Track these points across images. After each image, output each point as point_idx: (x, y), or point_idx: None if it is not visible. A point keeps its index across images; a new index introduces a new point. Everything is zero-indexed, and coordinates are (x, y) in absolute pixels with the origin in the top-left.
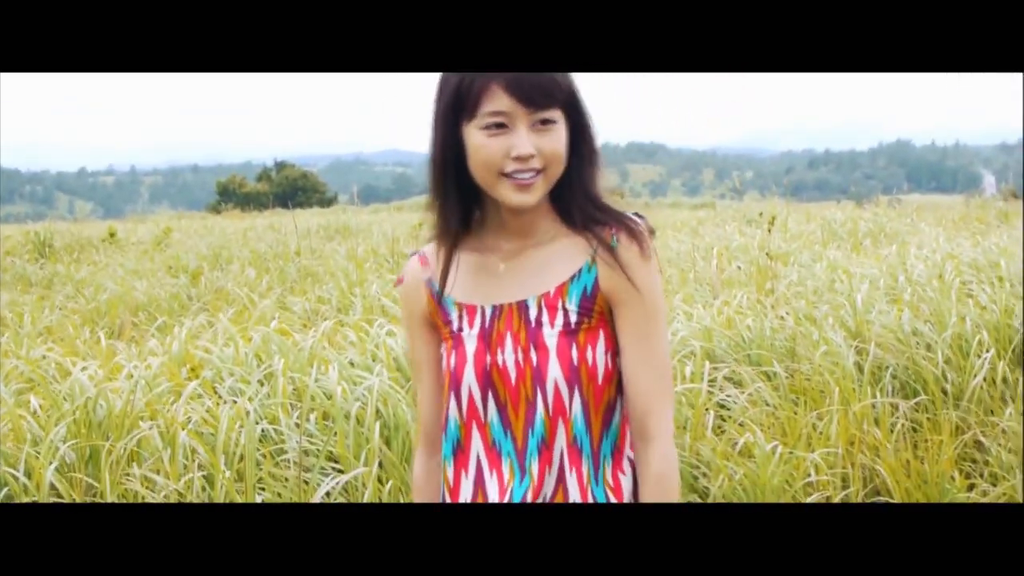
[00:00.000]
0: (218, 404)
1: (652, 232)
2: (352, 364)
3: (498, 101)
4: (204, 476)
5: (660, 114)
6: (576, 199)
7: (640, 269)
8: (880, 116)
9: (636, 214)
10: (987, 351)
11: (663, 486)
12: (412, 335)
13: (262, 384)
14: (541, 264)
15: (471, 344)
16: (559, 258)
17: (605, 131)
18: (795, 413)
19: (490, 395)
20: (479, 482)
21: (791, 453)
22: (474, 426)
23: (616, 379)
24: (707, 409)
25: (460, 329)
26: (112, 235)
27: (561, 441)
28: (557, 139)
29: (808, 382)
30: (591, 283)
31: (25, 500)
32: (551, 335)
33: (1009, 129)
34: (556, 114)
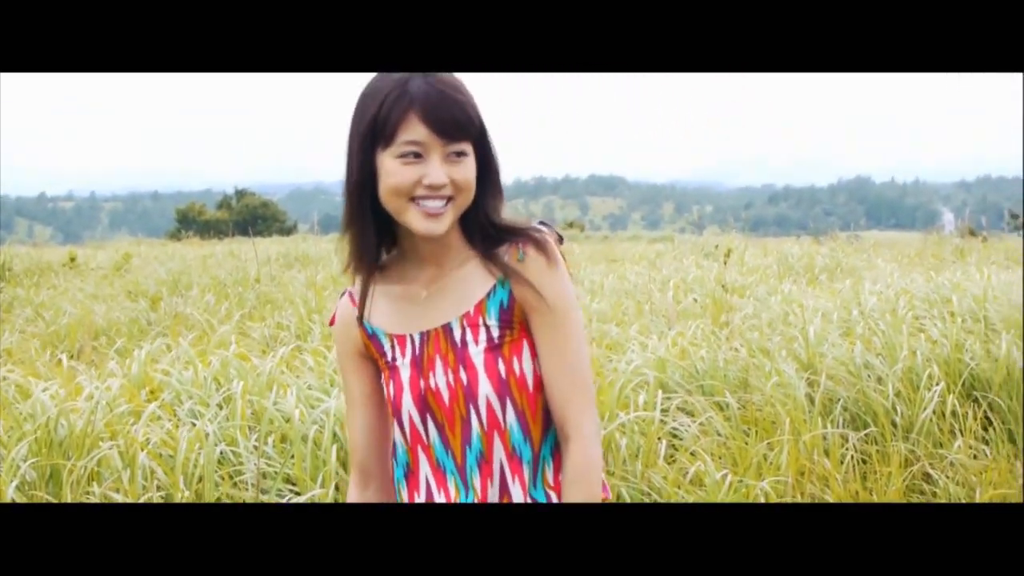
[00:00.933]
0: (177, 426)
1: (560, 240)
2: (310, 388)
3: (415, 131)
4: (162, 496)
5: (620, 147)
6: (482, 226)
7: (548, 277)
8: (840, 152)
9: (542, 222)
10: (937, 384)
11: (582, 484)
12: (345, 371)
13: (221, 407)
14: (459, 287)
15: (405, 372)
16: (474, 278)
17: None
18: (746, 443)
19: (428, 418)
20: (429, 501)
21: (741, 482)
22: (419, 449)
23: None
24: (659, 438)
25: (394, 359)
26: (72, 260)
27: (500, 453)
28: (468, 170)
29: (759, 412)
30: (507, 297)
31: None
32: (477, 353)
33: (968, 167)
34: (468, 146)
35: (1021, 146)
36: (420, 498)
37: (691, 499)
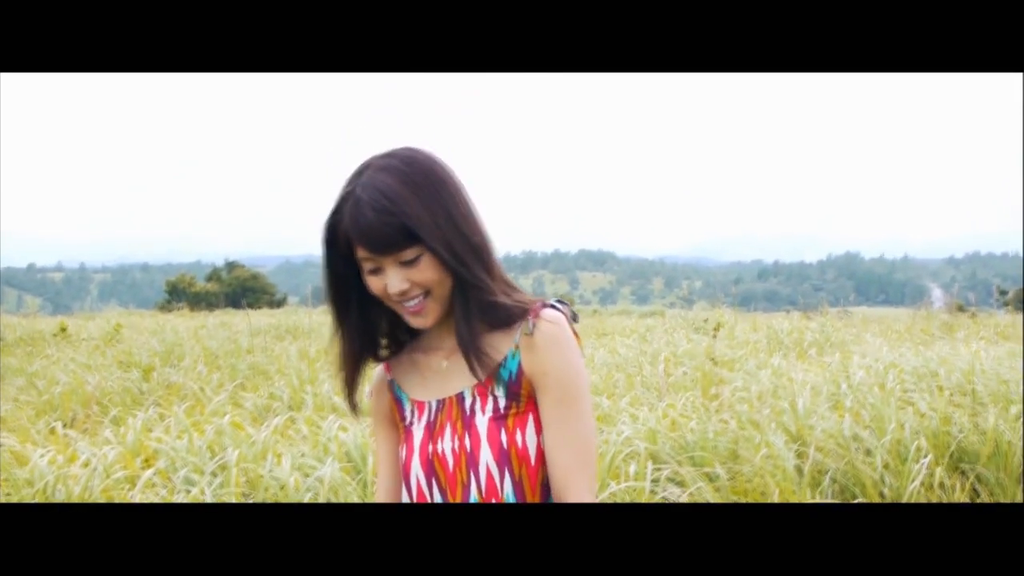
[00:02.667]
0: (172, 493)
1: (575, 318)
2: (303, 456)
3: (361, 251)
4: None
5: (609, 222)
6: (488, 304)
7: (557, 352)
8: (829, 228)
9: (559, 300)
10: (925, 457)
11: None
12: (377, 435)
13: (215, 475)
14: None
15: (418, 436)
16: (489, 350)
17: (556, 238)
18: None
19: (433, 482)
20: None
21: None
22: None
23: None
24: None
25: (411, 423)
26: (63, 330)
27: None
28: (425, 271)
29: (749, 484)
30: (515, 369)
31: None
32: (482, 421)
33: (956, 244)
34: (414, 252)
35: (1021, 148)
36: None
37: None
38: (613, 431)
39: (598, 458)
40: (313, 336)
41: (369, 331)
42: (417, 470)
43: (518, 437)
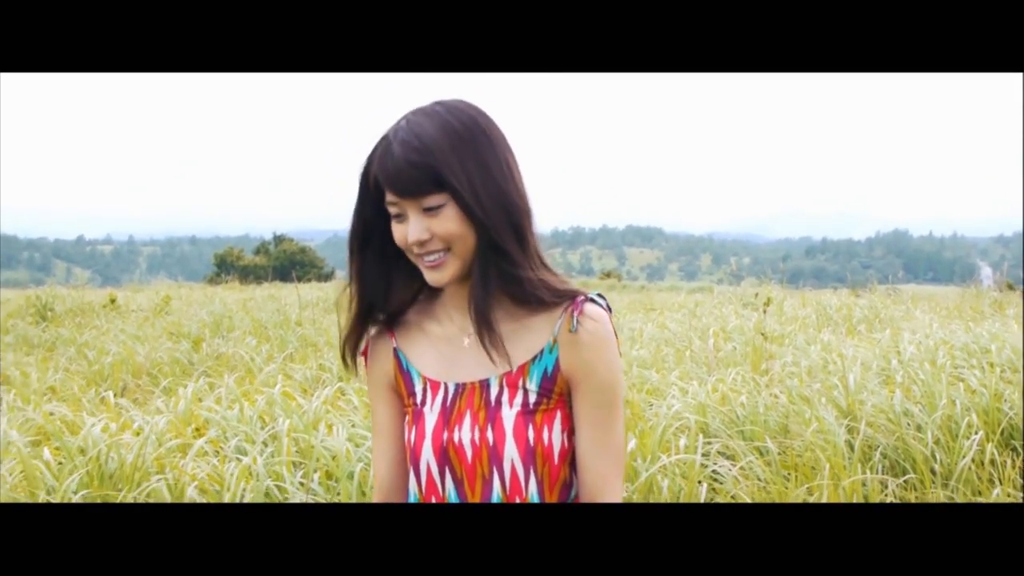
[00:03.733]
0: (224, 462)
1: (610, 312)
2: (355, 426)
3: (389, 194)
4: None
5: (658, 197)
6: (519, 281)
7: (600, 354)
8: (877, 205)
9: (598, 294)
10: (976, 433)
11: None
12: (374, 401)
13: (266, 444)
14: (507, 341)
15: (431, 420)
16: (521, 336)
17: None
18: (786, 487)
19: (447, 471)
20: None
21: None
22: (433, 501)
23: (571, 458)
24: (700, 481)
25: (422, 403)
26: (112, 301)
27: None
28: (446, 222)
29: (799, 458)
30: (552, 364)
31: None
32: (509, 416)
33: (1006, 221)
34: (439, 199)
35: (1021, 148)
36: None
37: None
38: (663, 404)
39: (648, 431)
40: None
41: (383, 285)
42: (429, 457)
43: (545, 435)
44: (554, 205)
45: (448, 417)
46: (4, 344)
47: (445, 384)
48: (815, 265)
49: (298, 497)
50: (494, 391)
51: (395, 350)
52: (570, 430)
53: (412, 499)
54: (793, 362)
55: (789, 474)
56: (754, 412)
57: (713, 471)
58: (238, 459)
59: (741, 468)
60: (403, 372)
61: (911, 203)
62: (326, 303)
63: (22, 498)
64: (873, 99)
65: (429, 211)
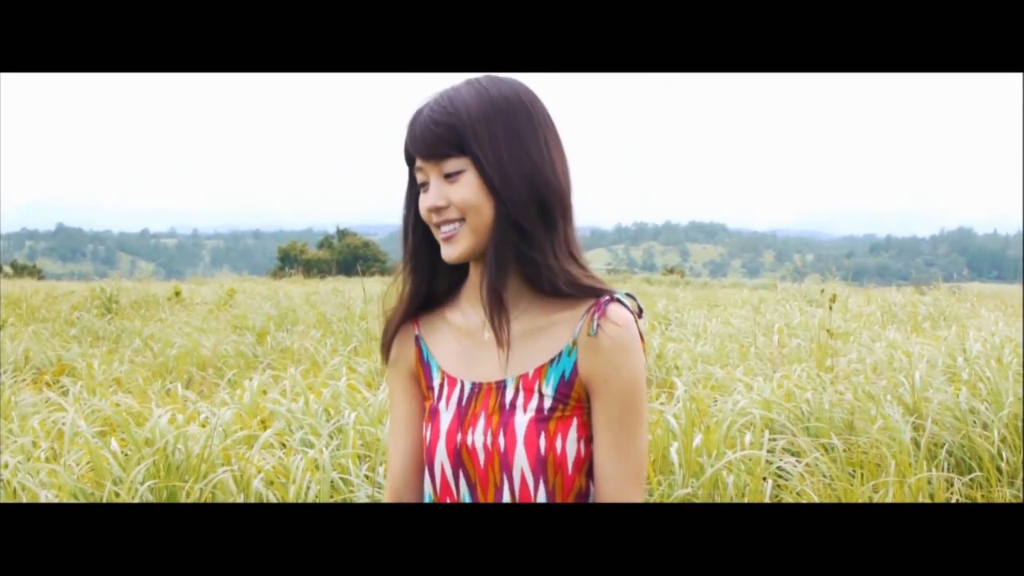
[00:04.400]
0: (289, 454)
1: (640, 314)
2: None
3: (416, 160)
4: None
5: (721, 194)
6: (535, 264)
7: (622, 360)
8: (941, 203)
9: (627, 294)
10: None
11: None
12: (393, 391)
13: (332, 437)
14: (523, 342)
15: (446, 420)
16: (540, 336)
17: (667, 210)
18: (851, 484)
19: (461, 474)
20: None
21: None
22: (448, 502)
23: (588, 466)
24: (765, 477)
25: (439, 399)
26: (177, 294)
27: None
28: (463, 189)
29: (865, 455)
30: (570, 368)
31: None
32: (521, 422)
33: None
34: (459, 164)
35: (1021, 148)
36: None
37: None
38: (729, 400)
39: (714, 427)
40: None
41: (428, 272)
42: (443, 458)
43: (558, 443)
44: (617, 201)
45: (463, 418)
46: (69, 336)
47: (462, 382)
48: (879, 262)
49: (363, 489)
50: (509, 394)
51: (417, 338)
52: (587, 438)
53: (428, 499)
54: (858, 359)
55: (854, 471)
56: (819, 409)
57: (778, 468)
58: (304, 452)
59: (807, 465)
60: (423, 363)
61: (976, 201)
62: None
63: (89, 489)
64: (940, 96)
65: (449, 177)
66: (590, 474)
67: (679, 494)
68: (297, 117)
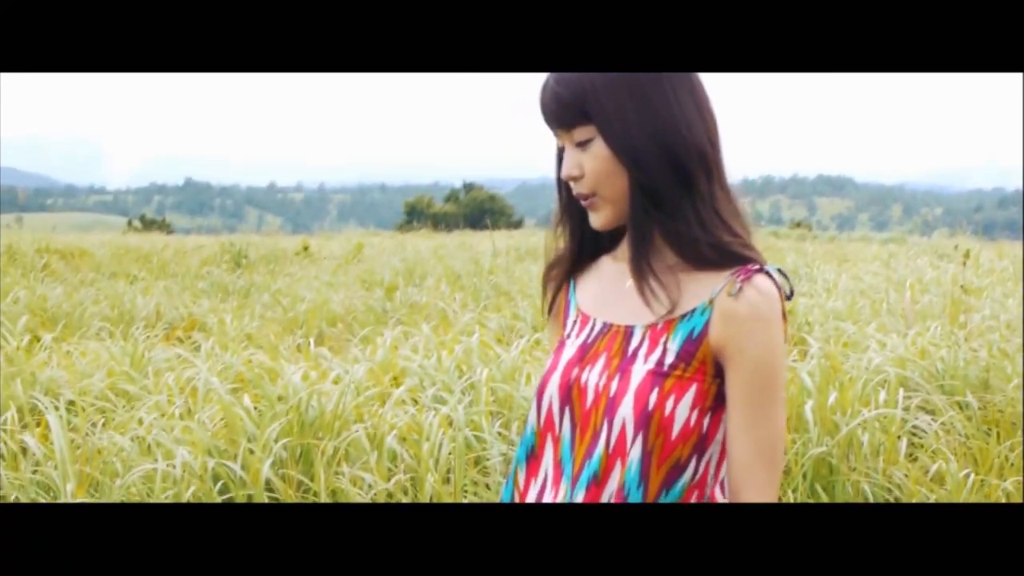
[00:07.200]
0: (422, 411)
1: (790, 295)
2: None
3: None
4: (410, 479)
5: (849, 147)
6: (679, 236)
7: (756, 331)
8: None
9: (779, 269)
10: None
11: None
12: (552, 338)
13: (465, 393)
14: (664, 292)
15: (568, 353)
16: (680, 290)
17: (794, 163)
18: (987, 443)
19: (567, 411)
20: (541, 495)
21: (983, 481)
22: (549, 437)
23: (696, 440)
24: (899, 436)
25: (568, 334)
26: (305, 248)
27: (613, 484)
28: (592, 157)
29: (1000, 414)
30: (700, 327)
31: (240, 494)
32: (639, 371)
33: None
34: (586, 132)
35: (1021, 146)
36: (535, 487)
37: (933, 498)
38: (864, 357)
39: (848, 384)
40: None
41: (583, 229)
42: (553, 391)
43: (669, 403)
44: (744, 154)
45: (584, 354)
46: (199, 291)
47: (593, 320)
48: (1008, 216)
49: (496, 446)
50: (635, 341)
51: (570, 283)
52: (703, 408)
53: (529, 430)
54: (991, 315)
55: (990, 430)
56: (954, 366)
57: (913, 426)
58: (436, 408)
59: (942, 424)
60: (567, 301)
61: None
62: (517, 251)
63: (222, 445)
64: None
65: (581, 145)
66: (698, 448)
67: (813, 453)
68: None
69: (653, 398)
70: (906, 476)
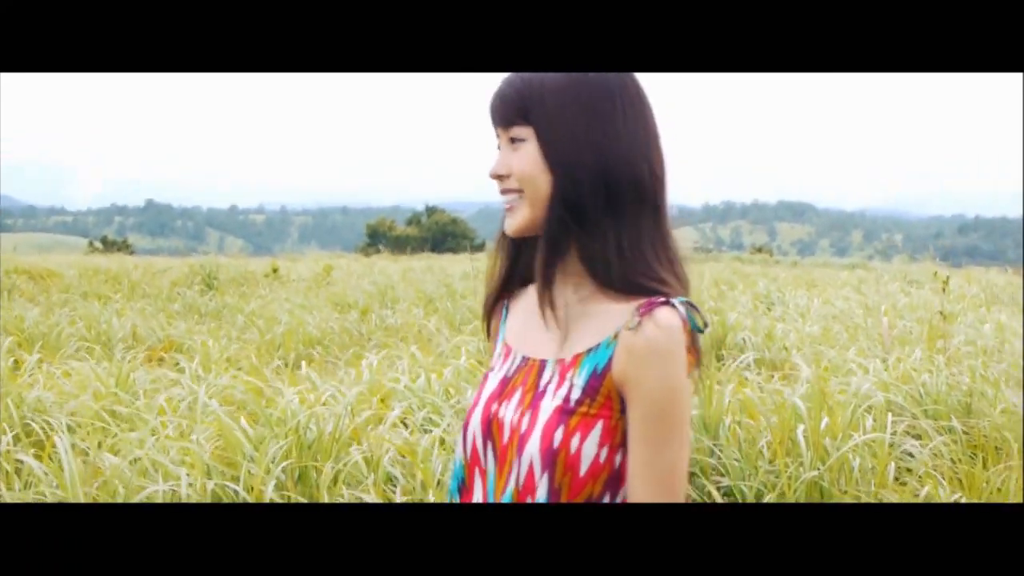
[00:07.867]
0: (414, 432)
1: (701, 329)
2: None
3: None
4: (407, 500)
5: (809, 173)
6: (590, 252)
7: (653, 365)
8: None
9: (688, 302)
10: None
11: None
12: (492, 347)
13: (457, 416)
14: (575, 326)
15: (490, 386)
16: (589, 324)
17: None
18: (973, 467)
19: (489, 446)
20: None
21: (972, 505)
22: (476, 471)
23: (608, 476)
24: (888, 460)
25: (492, 366)
26: (275, 271)
27: None
28: (522, 157)
29: (985, 439)
30: (604, 362)
31: None
32: (547, 407)
33: None
34: (522, 131)
35: (1021, 146)
36: None
37: None
38: (847, 382)
39: (838, 408)
40: None
41: (517, 249)
42: (476, 426)
43: (574, 441)
44: (705, 179)
45: (504, 388)
46: (173, 312)
47: (515, 353)
48: (968, 243)
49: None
50: (546, 375)
51: (504, 310)
52: (613, 445)
53: (458, 465)
54: (967, 341)
55: (975, 454)
56: (936, 391)
57: (904, 451)
58: (427, 430)
59: (931, 448)
60: (498, 330)
61: None
62: (482, 274)
63: (221, 467)
64: None
65: (514, 143)
66: (612, 485)
67: (805, 477)
68: (385, 92)
69: (558, 436)
70: (897, 499)
